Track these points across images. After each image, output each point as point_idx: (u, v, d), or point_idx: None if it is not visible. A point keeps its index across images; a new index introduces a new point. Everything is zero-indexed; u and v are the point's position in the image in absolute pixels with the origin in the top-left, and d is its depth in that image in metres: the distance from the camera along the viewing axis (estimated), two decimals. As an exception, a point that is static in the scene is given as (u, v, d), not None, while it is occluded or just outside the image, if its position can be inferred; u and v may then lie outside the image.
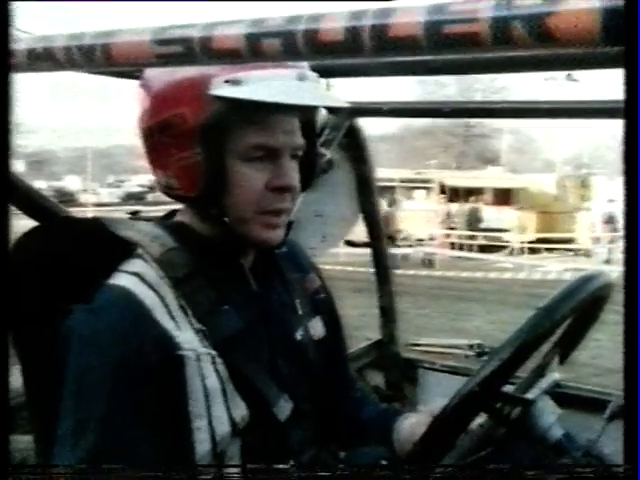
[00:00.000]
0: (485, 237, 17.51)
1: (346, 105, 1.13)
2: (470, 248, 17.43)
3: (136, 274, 1.01)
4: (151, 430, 0.95)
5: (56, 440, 0.95)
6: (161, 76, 1.02)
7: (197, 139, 0.98)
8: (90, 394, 0.94)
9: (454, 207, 19.75)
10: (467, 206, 19.45)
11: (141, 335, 0.96)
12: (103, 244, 1.05)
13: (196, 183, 1.01)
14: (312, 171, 1.12)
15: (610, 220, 17.14)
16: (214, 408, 0.99)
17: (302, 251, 1.29)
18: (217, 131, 0.98)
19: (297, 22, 0.60)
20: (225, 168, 1.00)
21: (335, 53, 0.60)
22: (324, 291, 1.26)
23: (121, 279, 1.01)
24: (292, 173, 1.04)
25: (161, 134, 1.02)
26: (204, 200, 1.03)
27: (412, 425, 1.19)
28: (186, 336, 0.98)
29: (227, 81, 0.96)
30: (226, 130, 0.99)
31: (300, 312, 1.18)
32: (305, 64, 1.04)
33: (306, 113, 1.07)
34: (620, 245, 13.73)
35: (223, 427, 0.99)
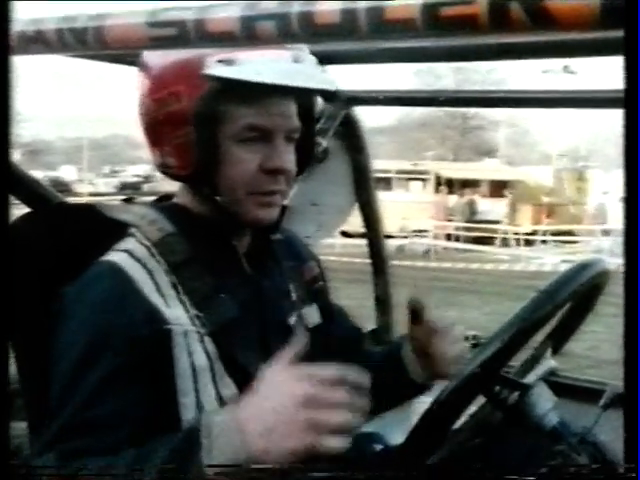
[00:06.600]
0: (481, 229, 17.49)
1: (342, 90, 1.11)
2: (466, 240, 17.41)
3: (126, 251, 1.02)
4: (137, 400, 0.94)
5: (49, 404, 0.96)
6: (161, 53, 1.03)
7: (191, 118, 0.99)
8: (76, 362, 0.95)
9: (451, 199, 19.73)
10: (464, 198, 19.42)
11: (128, 306, 0.97)
12: (99, 228, 1.06)
13: (190, 161, 1.02)
14: (309, 155, 1.12)
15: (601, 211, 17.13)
16: (201, 386, 0.99)
17: (301, 240, 1.29)
18: (210, 111, 0.99)
19: (292, 4, 0.59)
20: (218, 148, 1.01)
21: (330, 36, 0.59)
22: (322, 279, 1.26)
23: (110, 256, 1.03)
24: (286, 155, 1.04)
25: (158, 111, 1.03)
26: (197, 179, 1.04)
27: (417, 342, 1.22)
28: (174, 312, 0.99)
29: (220, 61, 0.97)
30: (219, 110, 1.00)
31: (295, 298, 1.17)
32: (303, 47, 1.03)
33: (303, 97, 1.07)
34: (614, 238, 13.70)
35: (210, 406, 0.99)
